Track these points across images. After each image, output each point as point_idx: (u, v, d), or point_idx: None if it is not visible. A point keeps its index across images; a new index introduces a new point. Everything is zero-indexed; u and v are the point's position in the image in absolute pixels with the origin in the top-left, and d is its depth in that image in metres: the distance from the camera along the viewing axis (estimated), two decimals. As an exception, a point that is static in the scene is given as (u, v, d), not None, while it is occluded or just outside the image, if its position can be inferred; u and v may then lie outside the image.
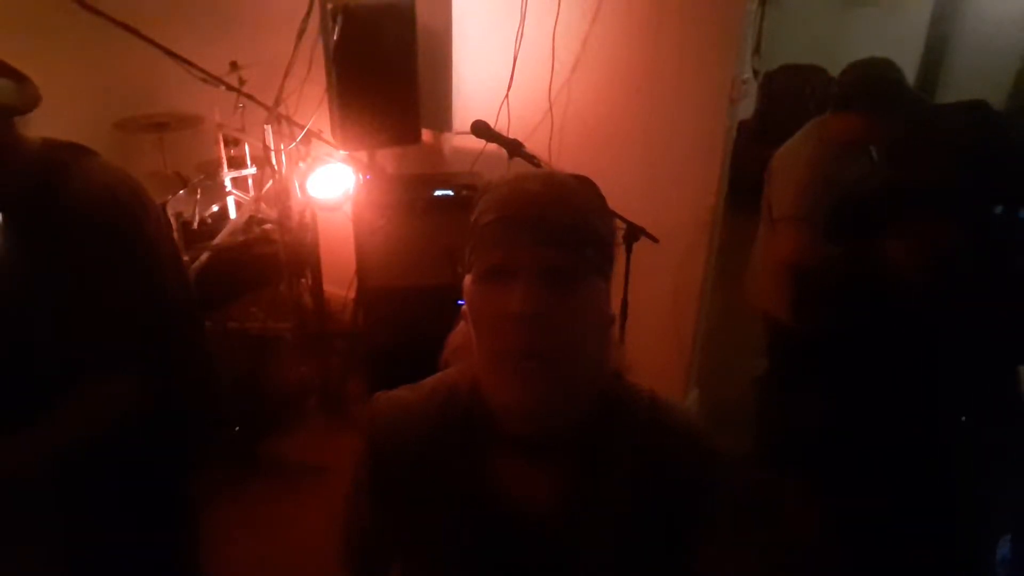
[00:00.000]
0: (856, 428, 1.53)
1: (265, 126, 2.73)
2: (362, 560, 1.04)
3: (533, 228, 0.76)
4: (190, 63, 2.52)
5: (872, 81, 2.23)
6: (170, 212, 2.74)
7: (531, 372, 0.76)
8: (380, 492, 0.93)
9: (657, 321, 2.84)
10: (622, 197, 2.63)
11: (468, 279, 0.82)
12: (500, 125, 2.76)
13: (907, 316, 1.48)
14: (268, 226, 3.07)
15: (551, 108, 2.78)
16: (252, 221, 3.09)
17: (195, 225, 3.07)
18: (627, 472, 0.86)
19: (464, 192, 2.70)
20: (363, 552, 1.03)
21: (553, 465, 0.85)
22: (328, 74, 2.66)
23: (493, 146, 2.24)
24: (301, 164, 2.88)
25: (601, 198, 0.86)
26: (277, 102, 2.67)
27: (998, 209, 1.53)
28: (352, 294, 3.11)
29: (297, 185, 2.88)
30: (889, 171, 1.75)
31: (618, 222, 2.30)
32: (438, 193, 2.69)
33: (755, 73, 5.39)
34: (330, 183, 2.81)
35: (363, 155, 2.87)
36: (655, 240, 2.51)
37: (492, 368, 0.80)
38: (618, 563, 0.86)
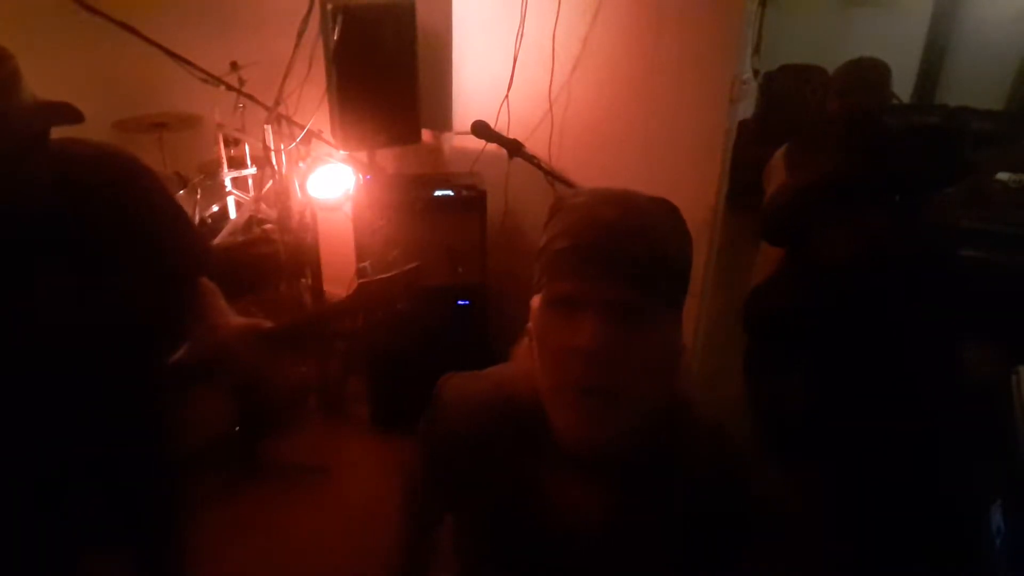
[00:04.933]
0: (832, 408, 1.56)
1: (265, 126, 2.73)
2: (417, 507, 1.08)
3: (607, 262, 0.73)
4: (190, 63, 2.52)
5: (863, 74, 2.30)
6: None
7: (591, 407, 0.75)
8: (436, 471, 0.96)
9: (657, 321, 2.84)
10: (622, 197, 2.63)
11: (536, 300, 0.80)
12: (500, 125, 2.76)
13: (850, 299, 1.54)
14: (268, 226, 3.06)
15: (551, 108, 2.78)
16: (252, 221, 3.09)
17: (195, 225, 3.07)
18: (674, 501, 0.84)
19: (464, 192, 2.70)
20: (418, 502, 1.08)
21: (604, 484, 0.84)
22: (328, 74, 2.66)
23: (493, 146, 2.24)
24: (301, 164, 2.88)
25: (681, 222, 0.83)
26: (277, 102, 2.67)
27: (896, 198, 1.59)
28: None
29: (297, 185, 2.88)
30: (795, 176, 1.83)
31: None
32: (438, 193, 2.69)
33: (755, 73, 5.43)
34: (330, 183, 2.81)
35: (363, 155, 2.86)
36: (655, 240, 2.52)
37: (553, 395, 0.78)
38: None
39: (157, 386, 1.46)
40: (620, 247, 0.74)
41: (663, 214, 0.81)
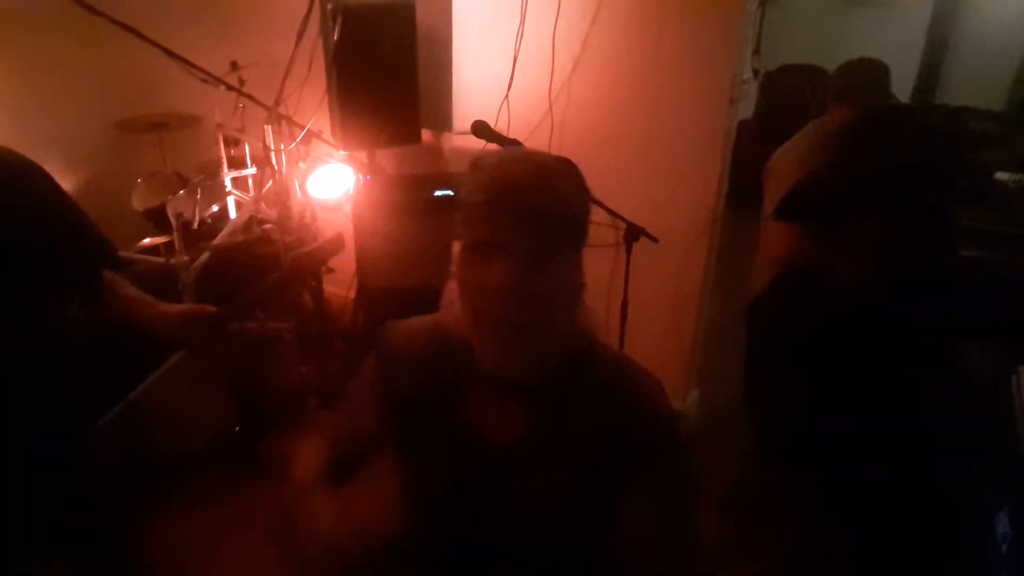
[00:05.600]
0: (832, 422, 1.55)
1: (265, 126, 2.73)
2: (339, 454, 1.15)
3: (515, 212, 0.86)
4: (190, 63, 2.52)
5: (862, 75, 2.28)
6: (170, 212, 2.74)
7: (506, 337, 0.89)
8: (383, 399, 1.07)
9: (657, 321, 2.84)
10: (622, 197, 2.65)
11: (457, 246, 0.92)
12: (500, 125, 2.76)
13: (858, 308, 1.52)
14: (268, 226, 3.06)
15: (551, 108, 2.78)
16: (252, 221, 3.09)
17: (195, 225, 3.07)
18: (582, 420, 0.98)
19: (464, 192, 2.70)
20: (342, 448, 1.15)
21: (522, 406, 0.98)
22: (328, 74, 2.66)
23: (493, 146, 2.24)
24: (301, 164, 2.88)
25: (580, 179, 0.95)
26: (277, 102, 2.67)
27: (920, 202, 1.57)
28: (352, 294, 3.11)
29: (297, 185, 2.88)
30: (839, 166, 1.78)
31: (616, 221, 2.30)
32: (438, 193, 2.69)
33: (755, 73, 5.43)
34: (330, 183, 2.81)
35: (363, 155, 2.87)
36: (655, 240, 2.51)
37: (474, 327, 0.92)
38: (564, 493, 0.98)
39: (86, 385, 1.44)
40: (526, 200, 0.86)
41: (563, 170, 0.93)
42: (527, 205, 0.86)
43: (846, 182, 1.61)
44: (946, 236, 1.57)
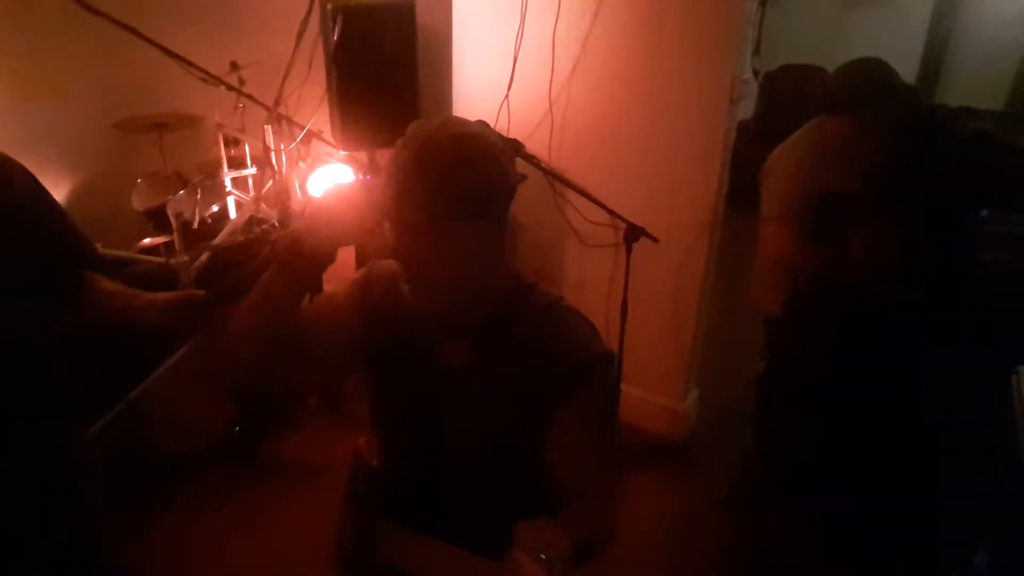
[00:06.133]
0: (840, 448, 1.53)
1: (265, 126, 2.73)
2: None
3: (438, 196, 0.96)
4: (190, 63, 2.52)
5: (861, 84, 2.23)
6: (170, 212, 2.74)
7: (431, 296, 1.06)
8: (361, 313, 1.23)
9: (657, 321, 2.83)
10: (622, 197, 2.65)
11: (387, 218, 1.03)
12: (500, 125, 2.77)
13: (874, 322, 1.50)
14: (268, 226, 3.06)
15: (551, 108, 2.78)
16: (252, 221, 3.09)
17: (195, 225, 3.06)
18: (515, 356, 1.12)
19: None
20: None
21: (463, 342, 1.16)
22: (328, 74, 2.66)
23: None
24: (301, 164, 2.88)
25: (502, 151, 1.04)
26: (277, 102, 2.67)
27: (984, 213, 1.56)
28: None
29: (297, 185, 2.88)
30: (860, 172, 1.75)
31: (618, 218, 2.29)
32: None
33: (755, 73, 5.42)
34: (330, 183, 2.81)
35: (363, 155, 2.87)
36: (655, 240, 2.51)
37: (407, 285, 1.07)
38: (503, 417, 1.12)
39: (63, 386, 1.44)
40: (445, 186, 0.96)
41: (486, 149, 1.01)
42: (447, 189, 0.96)
43: (859, 184, 1.59)
44: (963, 241, 1.54)
